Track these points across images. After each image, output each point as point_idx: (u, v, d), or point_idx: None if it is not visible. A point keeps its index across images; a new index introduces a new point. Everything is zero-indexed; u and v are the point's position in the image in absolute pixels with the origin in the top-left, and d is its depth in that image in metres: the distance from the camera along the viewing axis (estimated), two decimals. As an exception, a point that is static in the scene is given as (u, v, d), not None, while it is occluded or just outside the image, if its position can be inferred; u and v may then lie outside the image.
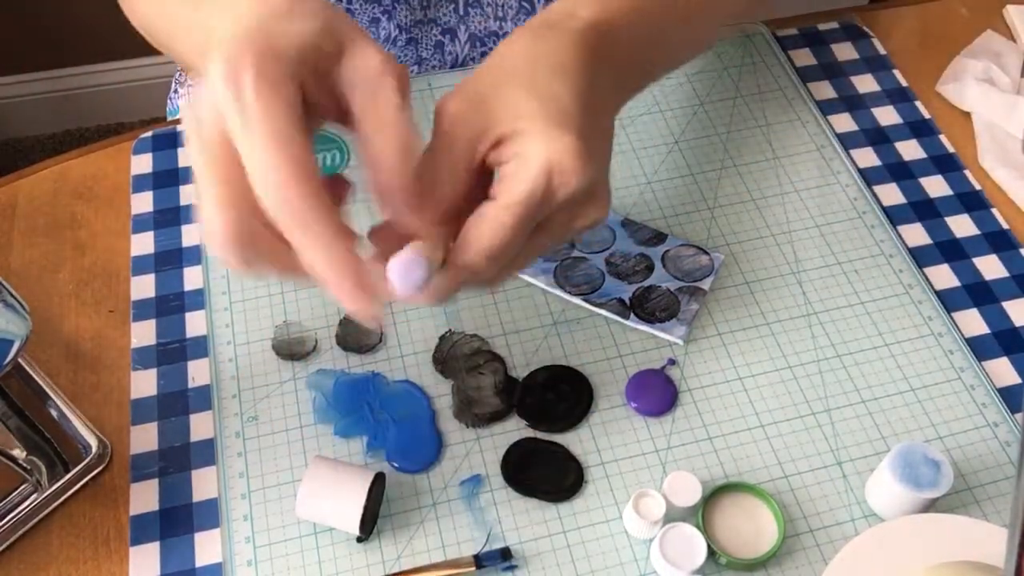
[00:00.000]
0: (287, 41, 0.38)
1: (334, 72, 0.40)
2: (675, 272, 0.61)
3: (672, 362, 0.58)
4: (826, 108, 0.72)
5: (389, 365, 0.58)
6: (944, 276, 0.63)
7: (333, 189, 0.44)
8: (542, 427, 0.55)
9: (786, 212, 0.66)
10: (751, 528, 0.51)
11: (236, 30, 0.38)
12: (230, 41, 0.37)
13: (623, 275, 0.61)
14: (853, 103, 0.73)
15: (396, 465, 0.54)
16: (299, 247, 0.38)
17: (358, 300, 0.39)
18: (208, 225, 0.38)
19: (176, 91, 0.85)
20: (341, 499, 0.49)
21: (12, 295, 0.46)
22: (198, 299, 0.61)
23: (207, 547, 0.51)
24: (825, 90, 0.74)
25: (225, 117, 0.37)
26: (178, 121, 0.70)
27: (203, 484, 0.53)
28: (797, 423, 0.56)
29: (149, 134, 0.69)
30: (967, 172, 0.69)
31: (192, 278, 0.62)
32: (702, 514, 0.51)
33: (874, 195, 0.67)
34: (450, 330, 0.59)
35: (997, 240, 0.65)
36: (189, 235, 0.64)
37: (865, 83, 0.74)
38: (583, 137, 0.42)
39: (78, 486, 0.53)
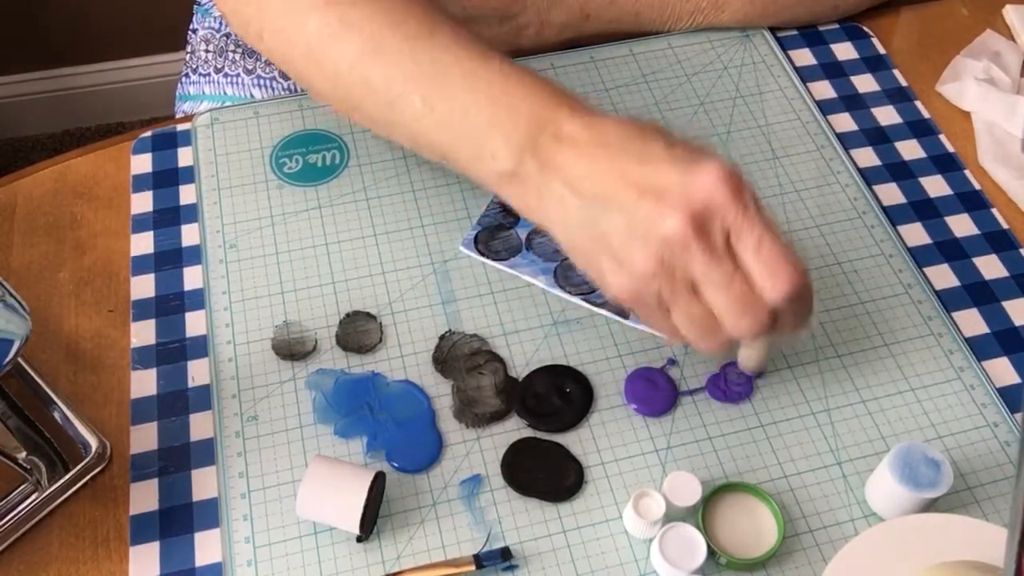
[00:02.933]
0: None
1: None
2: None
3: (672, 362, 0.58)
4: (826, 108, 0.72)
5: (389, 365, 0.58)
6: (944, 276, 0.63)
7: None
8: (542, 427, 0.55)
9: (786, 212, 0.66)
10: (751, 528, 0.51)
11: (699, 158, 0.44)
12: (717, 163, 0.44)
13: (623, 275, 0.61)
14: (853, 103, 0.73)
15: (396, 465, 0.54)
16: (793, 315, 0.46)
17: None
18: (736, 322, 0.45)
19: (188, 75, 0.85)
20: (341, 498, 0.49)
21: (12, 295, 0.46)
22: (198, 299, 0.61)
23: (207, 547, 0.51)
24: (825, 90, 0.74)
25: (735, 221, 0.44)
26: (183, 119, 0.70)
27: (203, 484, 0.53)
28: (797, 423, 0.56)
29: (149, 134, 0.69)
30: (967, 172, 0.69)
31: (192, 278, 0.62)
32: (702, 514, 0.51)
33: (874, 195, 0.67)
34: (450, 330, 0.59)
35: (997, 240, 0.65)
36: (189, 235, 0.64)
37: (865, 83, 0.74)
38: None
39: (78, 486, 0.53)
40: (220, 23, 0.82)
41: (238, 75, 0.80)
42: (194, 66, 0.84)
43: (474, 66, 0.49)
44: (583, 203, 0.45)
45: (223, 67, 0.81)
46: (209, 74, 0.82)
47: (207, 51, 0.83)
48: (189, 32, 0.87)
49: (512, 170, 0.48)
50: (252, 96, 0.80)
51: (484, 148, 0.48)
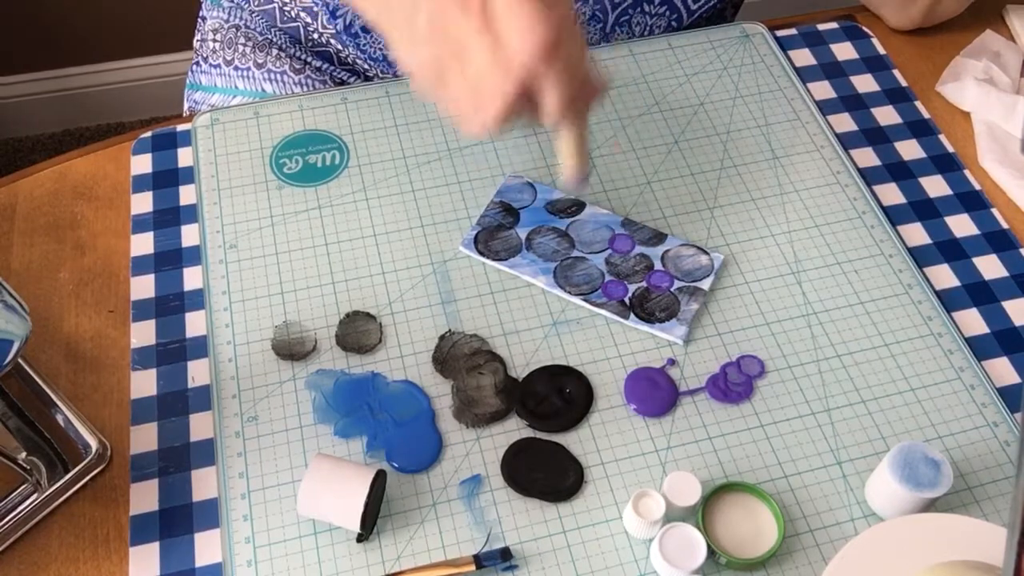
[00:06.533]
0: None
1: None
2: (675, 272, 0.61)
3: (672, 362, 0.58)
4: (826, 108, 0.72)
5: (389, 365, 0.58)
6: (944, 276, 0.63)
7: None
8: (542, 427, 0.55)
9: (786, 212, 0.66)
10: (751, 528, 0.51)
11: None
12: None
13: (623, 275, 0.61)
14: (853, 103, 0.73)
15: (396, 465, 0.54)
16: (549, 84, 0.47)
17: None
18: (489, 83, 0.46)
19: (198, 63, 0.85)
20: (342, 495, 0.49)
21: (12, 295, 0.46)
22: (198, 299, 0.61)
23: (207, 547, 0.51)
24: (825, 90, 0.74)
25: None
26: (185, 119, 0.70)
27: (203, 484, 0.53)
28: (797, 423, 0.56)
29: (149, 134, 0.69)
30: (967, 172, 0.69)
31: (192, 278, 0.62)
32: (702, 514, 0.51)
33: (874, 195, 0.67)
34: (450, 330, 0.59)
35: (997, 240, 0.65)
36: (189, 235, 0.64)
37: (865, 83, 0.74)
38: None
39: (78, 486, 0.53)
40: (229, 13, 0.82)
41: (248, 69, 0.80)
42: (204, 55, 0.84)
43: None
44: None
45: (233, 60, 0.81)
46: (219, 65, 0.82)
47: (215, 40, 0.83)
48: (199, 20, 0.87)
49: None
50: (263, 90, 0.80)
51: None
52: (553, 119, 0.49)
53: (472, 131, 0.49)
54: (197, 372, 0.58)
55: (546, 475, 0.53)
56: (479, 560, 0.50)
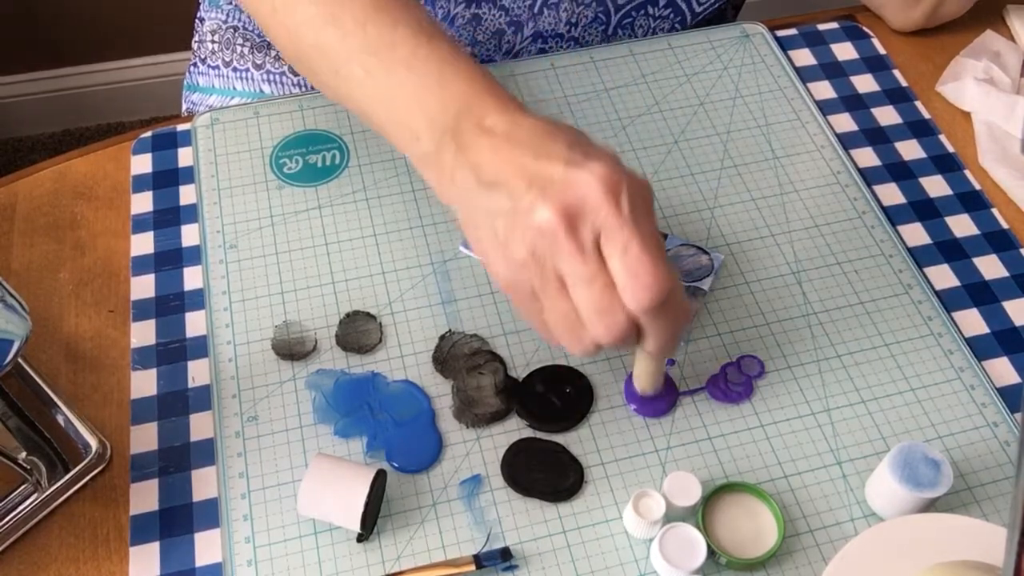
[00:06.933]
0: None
1: None
2: (675, 272, 0.61)
3: (672, 362, 0.58)
4: (826, 108, 0.72)
5: (389, 365, 0.58)
6: (944, 276, 0.63)
7: None
8: (542, 427, 0.55)
9: (786, 212, 0.66)
10: (751, 528, 0.51)
11: (598, 157, 0.45)
12: (604, 163, 0.44)
13: (623, 275, 0.61)
14: (853, 103, 0.73)
15: (396, 465, 0.54)
16: (656, 329, 0.46)
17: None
18: (594, 324, 0.45)
19: (196, 65, 0.85)
20: (343, 495, 0.49)
21: (12, 295, 0.46)
22: (198, 299, 0.61)
23: (207, 547, 0.51)
24: (825, 90, 0.74)
25: (606, 222, 0.44)
26: (185, 119, 0.70)
27: (203, 484, 0.53)
28: (797, 423, 0.56)
29: (149, 134, 0.69)
30: (967, 172, 0.69)
31: (192, 278, 0.62)
32: (702, 514, 0.51)
33: (874, 195, 0.67)
34: (450, 330, 0.59)
35: (997, 240, 0.65)
36: (189, 235, 0.64)
37: (865, 83, 0.74)
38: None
39: (78, 486, 0.53)
40: (228, 15, 0.82)
41: (247, 70, 0.80)
42: (202, 56, 0.84)
43: (418, 47, 0.51)
44: (481, 188, 0.46)
45: (231, 61, 0.81)
46: (218, 66, 0.82)
47: (213, 41, 0.83)
48: (196, 21, 0.86)
49: (432, 152, 0.49)
50: (262, 91, 0.80)
51: (411, 128, 0.50)
52: (652, 354, 0.50)
53: (569, 349, 0.48)
54: (197, 372, 0.58)
55: (546, 475, 0.53)
56: (479, 560, 0.50)
